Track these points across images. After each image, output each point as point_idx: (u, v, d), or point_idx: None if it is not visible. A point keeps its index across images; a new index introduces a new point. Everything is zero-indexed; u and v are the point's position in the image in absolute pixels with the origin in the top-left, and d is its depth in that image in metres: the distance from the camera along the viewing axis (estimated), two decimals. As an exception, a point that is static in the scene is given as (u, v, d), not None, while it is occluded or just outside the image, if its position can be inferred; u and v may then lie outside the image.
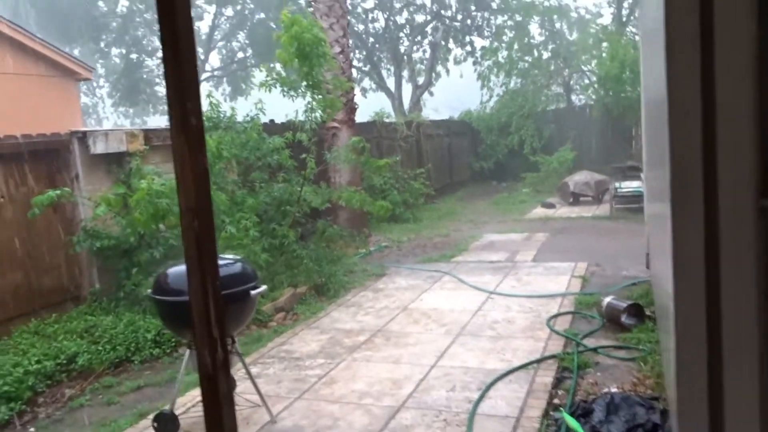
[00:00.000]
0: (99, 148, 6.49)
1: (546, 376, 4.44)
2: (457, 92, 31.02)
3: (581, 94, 20.91)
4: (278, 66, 7.06)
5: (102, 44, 28.98)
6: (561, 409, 3.78)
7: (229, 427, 3.14)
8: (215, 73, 34.07)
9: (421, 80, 25.87)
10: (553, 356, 4.79)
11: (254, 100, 7.70)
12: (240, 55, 31.38)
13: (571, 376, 4.42)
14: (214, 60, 33.45)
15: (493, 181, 19.14)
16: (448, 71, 27.07)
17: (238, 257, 4.25)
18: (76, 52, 23.34)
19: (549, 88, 20.25)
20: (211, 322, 3.03)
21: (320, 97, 6.79)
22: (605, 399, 3.73)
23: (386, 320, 6.12)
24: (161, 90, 34.98)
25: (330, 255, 8.12)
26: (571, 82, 20.69)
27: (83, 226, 6.44)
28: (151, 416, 4.21)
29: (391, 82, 26.74)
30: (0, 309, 5.86)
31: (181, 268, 4.07)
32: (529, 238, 10.00)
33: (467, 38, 25.57)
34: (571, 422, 3.48)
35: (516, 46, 20.05)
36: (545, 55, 20.26)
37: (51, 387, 4.98)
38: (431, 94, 27.60)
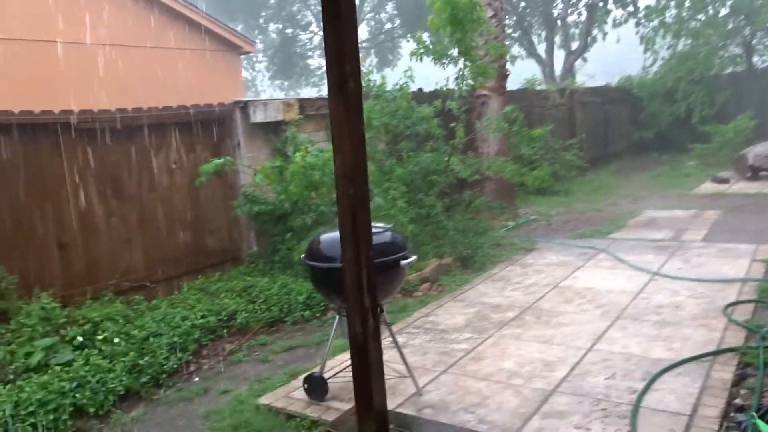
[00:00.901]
0: (258, 117, 6.77)
1: (724, 372, 3.92)
2: (613, 58, 28.83)
3: (765, 55, 18.44)
4: (426, 35, 6.83)
5: (261, 20, 30.63)
6: (752, 413, 3.28)
7: (378, 396, 3.06)
8: (363, 45, 34.67)
9: (575, 46, 24.31)
10: (732, 349, 4.22)
11: (402, 69, 7.62)
12: (388, 26, 31.58)
13: (755, 374, 3.86)
14: (363, 32, 34.05)
15: (653, 153, 17.59)
16: (605, 35, 25.14)
17: (388, 226, 4.19)
18: (238, 28, 24.86)
19: (726, 50, 18.06)
20: (364, 292, 2.93)
21: (472, 64, 6.51)
22: (802, 405, 3.20)
23: (536, 297, 5.81)
24: (313, 63, 36.37)
25: (476, 227, 7.91)
26: (753, 42, 18.27)
27: (243, 192, 6.80)
28: (301, 377, 4.34)
29: (542, 49, 25.45)
30: (173, 266, 6.39)
31: (334, 234, 4.09)
32: (698, 216, 9.03)
33: (629, -2, 23.49)
34: (764, 428, 3.01)
35: (687, 4, 18.05)
36: (722, 12, 18.02)
37: (213, 341, 5.34)
38: (585, 60, 25.87)
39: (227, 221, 6.98)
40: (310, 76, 37.24)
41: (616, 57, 27.35)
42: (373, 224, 4.26)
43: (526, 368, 4.24)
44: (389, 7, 30.56)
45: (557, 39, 25.31)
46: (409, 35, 29.03)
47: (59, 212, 5.58)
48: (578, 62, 24.70)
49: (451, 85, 7.04)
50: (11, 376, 4.36)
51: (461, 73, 6.83)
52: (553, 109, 13.29)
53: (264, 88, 35.83)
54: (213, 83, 11.21)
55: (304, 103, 7.43)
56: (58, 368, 4.39)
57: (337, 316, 4.05)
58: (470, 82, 7.01)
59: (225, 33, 12.25)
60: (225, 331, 5.47)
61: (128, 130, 6.10)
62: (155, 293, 6.11)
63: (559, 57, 25.08)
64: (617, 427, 3.37)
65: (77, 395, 4.14)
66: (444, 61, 6.75)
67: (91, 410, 4.15)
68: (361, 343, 3.00)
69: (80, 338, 4.79)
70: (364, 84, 7.62)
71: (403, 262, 3.86)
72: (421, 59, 6.67)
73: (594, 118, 16.00)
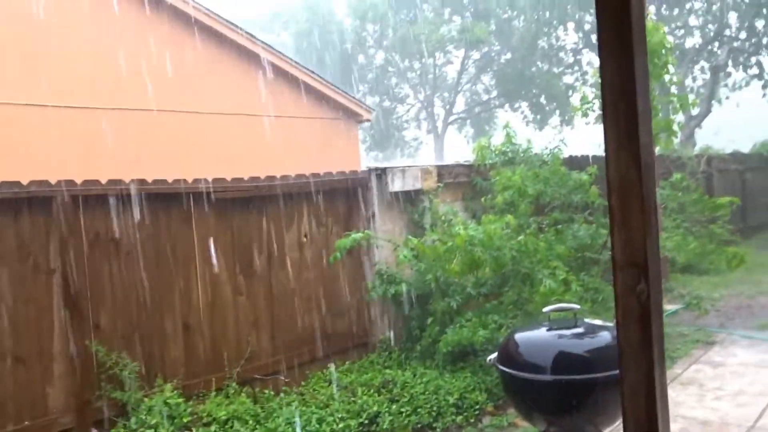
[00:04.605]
0: (396, 185, 6.09)
1: None
2: (730, 123, 26.82)
3: None
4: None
5: (359, 94, 31.24)
6: None
7: None
8: (460, 115, 34.60)
9: (695, 111, 22.74)
10: None
11: (497, 140, 6.93)
12: (484, 97, 31.41)
13: None
14: (460, 104, 34.02)
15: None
16: (721, 100, 23.49)
17: (605, 321, 3.23)
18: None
19: None
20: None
21: (658, 116, 5.56)
22: None
23: (755, 412, 4.55)
24: (408, 134, 36.55)
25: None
26: None
27: (377, 270, 6.04)
28: None
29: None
30: (300, 352, 5.64)
31: (531, 334, 3.20)
32: None
33: (752, 59, 21.96)
34: None
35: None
36: None
37: (357, 451, 4.45)
38: (700, 126, 24.19)
39: (356, 302, 6.22)
40: (405, 147, 37.39)
41: (735, 121, 25.42)
42: (592, 319, 3.33)
43: None
44: (486, 78, 30.39)
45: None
46: (507, 104, 28.72)
47: (187, 290, 5.00)
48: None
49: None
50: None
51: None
52: (694, 178, 11.93)
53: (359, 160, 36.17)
54: (333, 153, 10.81)
55: (441, 170, 6.72)
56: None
57: (539, 442, 3.08)
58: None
59: (342, 99, 11.87)
60: (367, 438, 4.58)
61: (259, 201, 5.56)
62: (280, 383, 5.34)
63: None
64: None
65: None
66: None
67: None
68: None
69: (208, 444, 4.04)
70: (506, 148, 6.84)
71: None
72: (586, 114, 5.78)
73: (732, 187, 14.39)
